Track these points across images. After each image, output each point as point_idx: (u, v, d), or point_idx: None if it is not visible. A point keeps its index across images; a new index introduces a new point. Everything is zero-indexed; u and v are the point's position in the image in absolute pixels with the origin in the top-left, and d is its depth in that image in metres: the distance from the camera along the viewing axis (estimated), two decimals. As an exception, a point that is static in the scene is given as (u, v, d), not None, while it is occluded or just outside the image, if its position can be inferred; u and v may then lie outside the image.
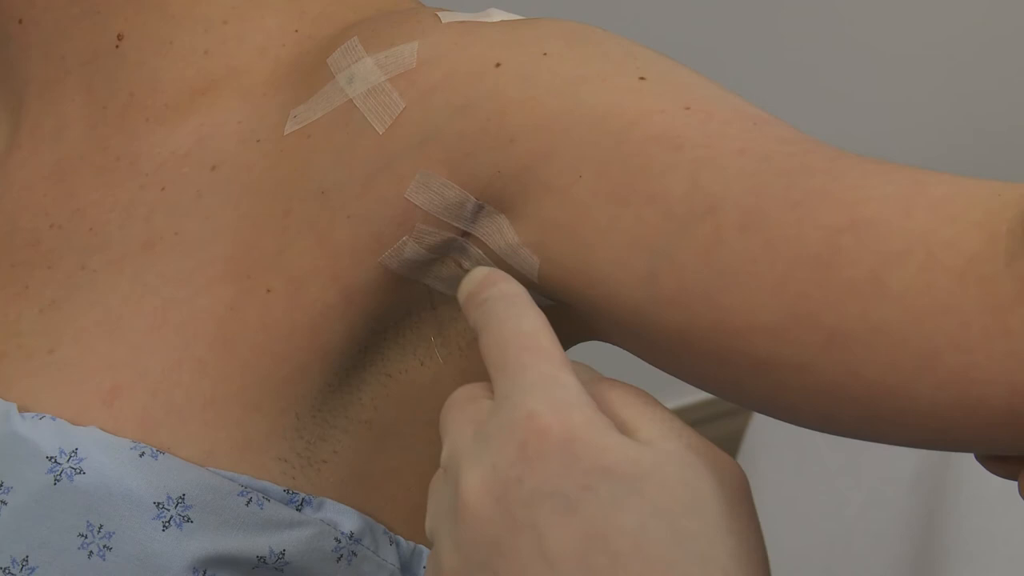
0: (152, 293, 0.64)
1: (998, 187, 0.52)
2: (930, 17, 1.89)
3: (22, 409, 0.63)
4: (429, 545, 0.58)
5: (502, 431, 0.50)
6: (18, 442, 0.62)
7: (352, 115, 0.62)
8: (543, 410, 0.49)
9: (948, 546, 1.41)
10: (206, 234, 0.64)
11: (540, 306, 0.62)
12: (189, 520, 0.61)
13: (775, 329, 0.53)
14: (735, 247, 0.54)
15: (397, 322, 0.63)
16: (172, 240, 0.65)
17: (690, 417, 1.78)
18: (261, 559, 0.62)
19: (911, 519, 1.44)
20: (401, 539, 0.67)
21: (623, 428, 0.51)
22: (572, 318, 0.62)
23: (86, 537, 0.61)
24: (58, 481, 0.61)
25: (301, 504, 0.63)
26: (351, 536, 0.64)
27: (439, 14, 0.64)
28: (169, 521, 0.61)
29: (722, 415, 1.76)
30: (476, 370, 0.64)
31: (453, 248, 0.62)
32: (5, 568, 0.62)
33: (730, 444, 1.65)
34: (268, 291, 0.63)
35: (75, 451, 0.61)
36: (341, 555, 0.64)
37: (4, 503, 0.62)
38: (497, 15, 0.63)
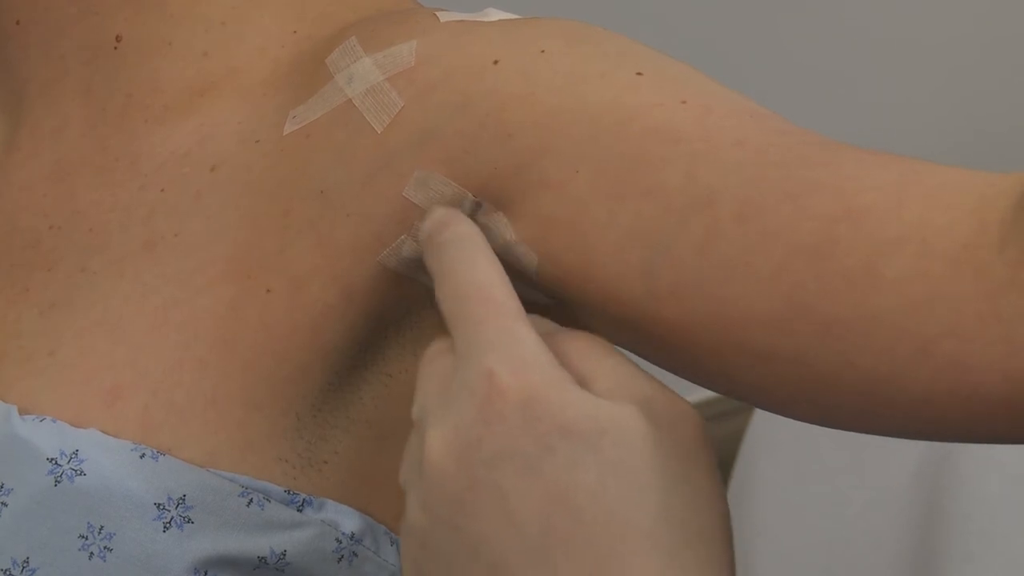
0: (152, 293, 0.64)
1: (991, 176, 0.52)
2: (931, 17, 1.89)
3: (23, 411, 0.63)
4: None
5: (463, 391, 0.51)
6: (18, 444, 0.62)
7: (351, 115, 0.62)
8: (501, 369, 0.50)
9: (948, 546, 1.41)
10: (206, 234, 0.64)
11: (540, 304, 0.62)
12: (190, 521, 0.61)
13: (772, 320, 0.53)
14: (732, 239, 0.54)
15: (397, 321, 0.63)
16: (172, 241, 0.65)
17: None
18: (262, 560, 0.62)
19: (911, 519, 1.44)
20: (402, 539, 0.67)
21: (582, 380, 0.52)
22: (572, 316, 0.62)
23: (87, 538, 0.61)
24: (59, 482, 0.61)
25: (302, 505, 0.63)
26: (352, 536, 0.64)
27: (437, 14, 0.64)
28: (170, 522, 0.61)
29: (722, 415, 1.76)
30: None
31: (453, 246, 0.62)
32: (6, 569, 0.62)
33: (730, 444, 1.65)
34: (268, 291, 0.63)
35: (75, 452, 0.61)
36: (342, 556, 0.64)
37: (5, 504, 0.62)
38: (495, 14, 0.63)
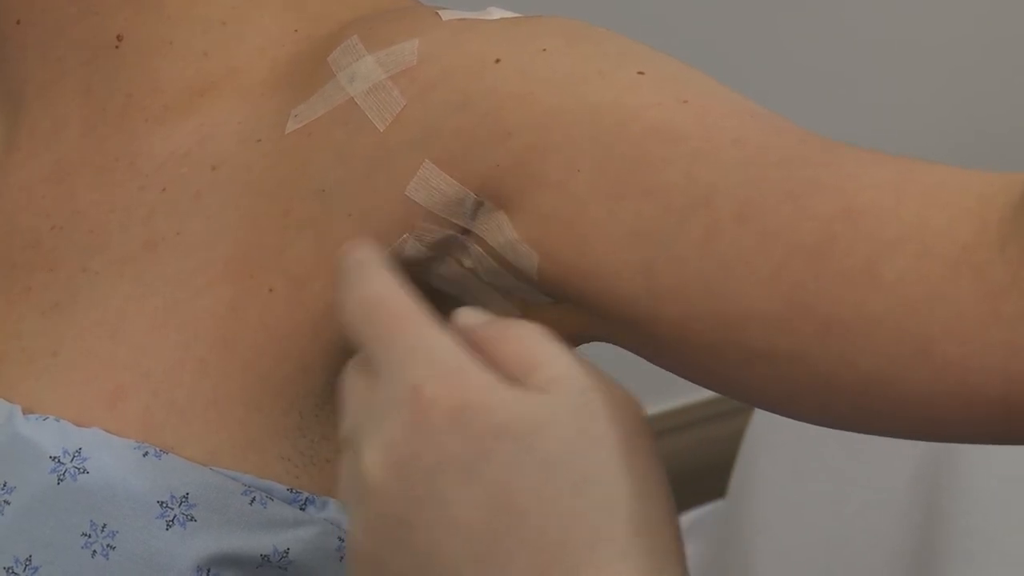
0: (153, 294, 0.64)
1: (990, 176, 0.52)
2: (931, 18, 1.89)
3: (26, 411, 0.63)
4: None
5: (390, 408, 0.49)
6: (22, 443, 0.62)
7: (352, 113, 0.62)
8: (426, 381, 0.49)
9: (948, 546, 1.41)
10: (207, 234, 0.64)
11: (540, 304, 0.62)
12: (193, 519, 0.61)
13: (771, 319, 0.53)
14: (731, 238, 0.54)
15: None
16: (173, 240, 0.65)
17: (690, 416, 1.78)
18: (265, 558, 0.62)
19: (911, 519, 1.44)
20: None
21: (521, 372, 0.50)
22: (572, 316, 0.62)
23: (89, 536, 0.61)
24: (61, 481, 0.61)
25: (305, 503, 0.63)
26: (354, 535, 0.64)
27: (439, 12, 0.64)
28: (173, 520, 0.61)
29: (722, 415, 1.76)
30: None
31: (453, 246, 0.62)
32: (9, 568, 0.62)
33: (730, 444, 1.65)
34: (269, 291, 0.63)
35: (78, 451, 0.61)
36: (344, 554, 0.64)
37: (7, 503, 0.62)
38: (497, 13, 0.64)
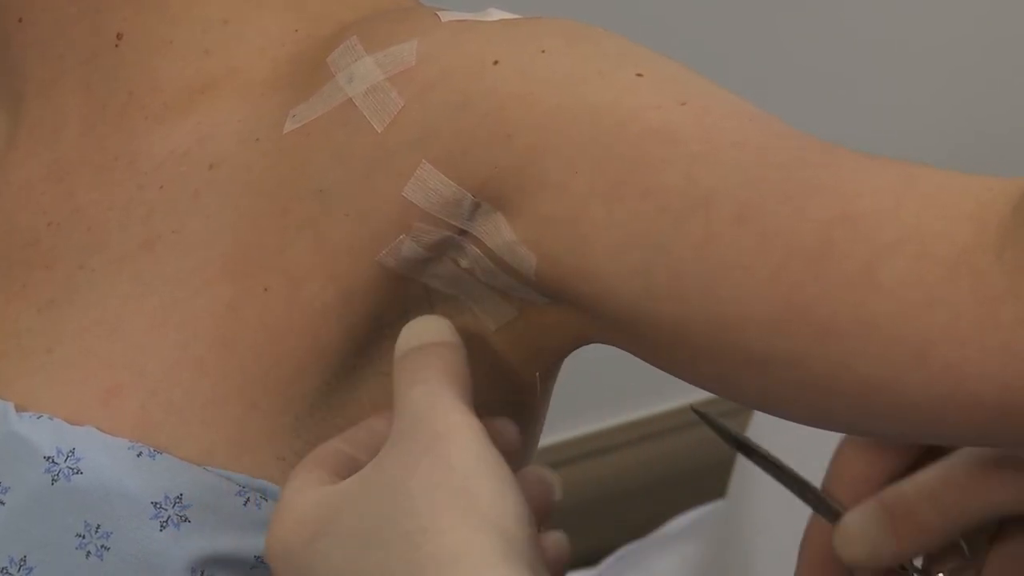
0: (151, 293, 0.64)
1: (989, 181, 0.52)
2: (931, 19, 1.89)
3: (20, 408, 0.63)
4: None
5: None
6: (16, 442, 0.62)
7: (351, 114, 0.62)
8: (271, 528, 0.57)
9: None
10: (205, 234, 0.64)
11: (538, 305, 0.62)
12: (187, 520, 0.61)
13: (769, 321, 0.53)
14: (729, 240, 0.54)
15: (395, 321, 0.63)
16: (171, 239, 0.65)
17: (690, 417, 1.77)
18: (259, 559, 0.62)
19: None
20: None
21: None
22: (571, 317, 0.62)
23: (84, 537, 0.61)
24: (56, 481, 0.61)
25: (299, 504, 0.63)
26: (349, 536, 0.64)
27: (438, 13, 0.64)
28: (167, 521, 0.61)
29: (722, 415, 1.75)
30: (476, 369, 0.65)
31: (451, 246, 0.62)
32: (3, 568, 0.62)
33: (730, 444, 1.64)
34: (266, 290, 0.63)
35: (72, 451, 0.61)
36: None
37: (2, 503, 0.62)
38: (496, 14, 0.64)
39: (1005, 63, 1.95)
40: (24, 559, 0.61)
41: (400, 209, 0.61)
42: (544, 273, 0.60)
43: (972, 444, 0.53)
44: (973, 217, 0.51)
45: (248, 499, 0.62)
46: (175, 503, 0.61)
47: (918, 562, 0.62)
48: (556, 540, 0.59)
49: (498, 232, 0.60)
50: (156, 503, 0.61)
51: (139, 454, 0.61)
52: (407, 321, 0.64)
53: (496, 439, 0.56)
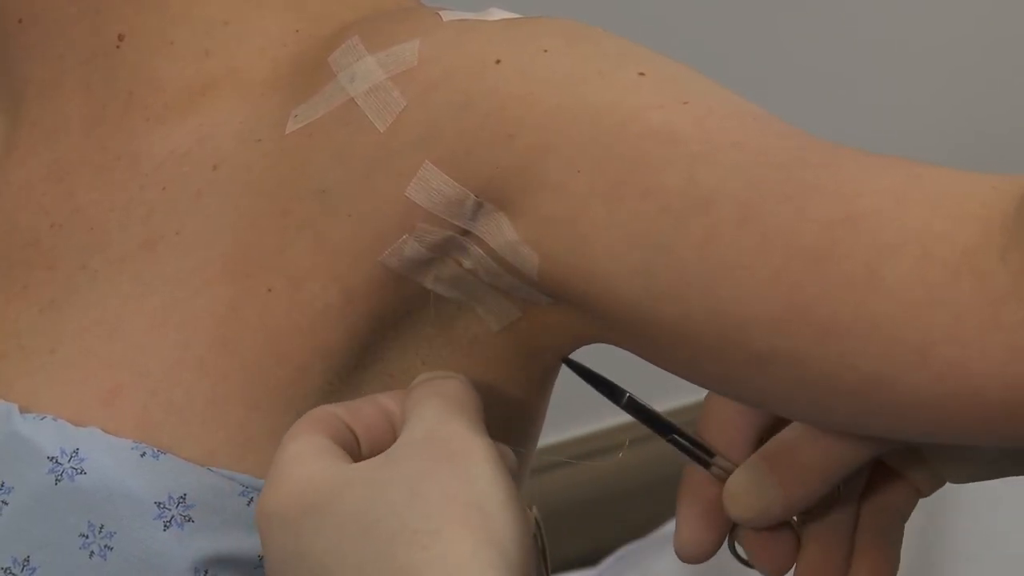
0: (152, 293, 0.64)
1: (994, 180, 0.52)
2: (932, 18, 1.89)
3: (23, 410, 0.63)
4: None
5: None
6: (19, 442, 0.62)
7: (352, 114, 0.62)
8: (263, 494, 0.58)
9: (948, 546, 1.41)
10: (206, 234, 0.64)
11: (541, 305, 0.62)
12: (190, 520, 0.61)
13: (771, 321, 0.53)
14: (731, 241, 0.54)
15: (397, 321, 0.63)
16: (172, 240, 0.65)
17: (690, 417, 1.78)
18: (262, 559, 0.62)
19: (911, 518, 1.44)
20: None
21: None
22: (573, 317, 0.62)
23: (87, 537, 0.61)
24: (59, 481, 0.61)
25: (302, 504, 0.63)
26: (352, 536, 0.64)
27: (440, 12, 0.64)
28: (170, 521, 0.61)
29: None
30: (478, 368, 0.65)
31: (453, 247, 0.62)
32: (6, 568, 0.62)
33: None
34: (268, 291, 0.63)
35: (76, 451, 0.61)
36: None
37: (5, 503, 0.62)
38: (498, 14, 0.64)
39: (1005, 63, 1.95)
40: (27, 559, 0.61)
41: (403, 209, 0.61)
42: (546, 273, 0.60)
43: (975, 442, 0.53)
44: (977, 218, 0.51)
45: (251, 499, 0.62)
46: (179, 503, 0.61)
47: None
48: None
49: (500, 232, 0.60)
50: (160, 503, 0.61)
51: (143, 454, 0.61)
52: (409, 322, 0.64)
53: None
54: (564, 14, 0.64)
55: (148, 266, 0.65)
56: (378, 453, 0.58)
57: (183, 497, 0.61)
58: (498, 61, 0.60)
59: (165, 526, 0.61)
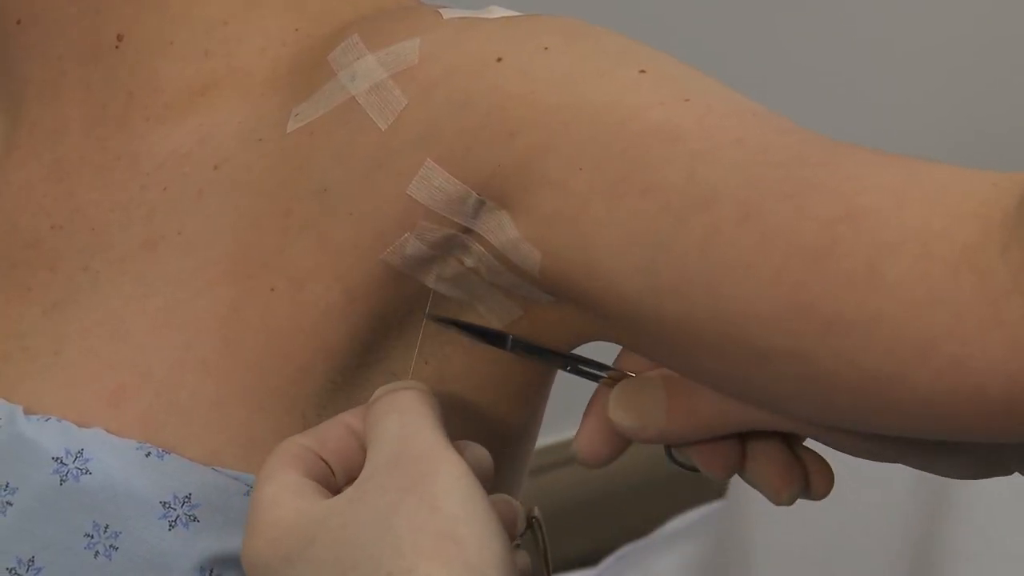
0: (154, 293, 0.64)
1: (994, 177, 0.52)
2: (931, 17, 1.89)
3: (27, 411, 0.63)
4: None
5: None
6: (24, 444, 0.62)
7: (353, 112, 0.62)
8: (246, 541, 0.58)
9: (948, 546, 1.41)
10: (208, 234, 0.64)
11: (542, 303, 0.62)
12: (195, 520, 0.61)
13: (773, 319, 0.53)
14: (732, 239, 0.54)
15: (400, 320, 0.64)
16: (174, 240, 0.65)
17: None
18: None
19: (911, 518, 1.44)
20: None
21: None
22: (574, 315, 0.62)
23: (92, 537, 0.61)
24: (64, 481, 0.61)
25: (305, 503, 0.63)
26: (355, 535, 0.64)
27: (440, 10, 0.64)
28: (175, 521, 0.61)
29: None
30: (480, 366, 0.65)
31: (455, 245, 0.62)
32: (11, 568, 0.62)
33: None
34: (271, 290, 0.63)
35: (81, 452, 0.61)
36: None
37: (10, 504, 0.62)
38: (498, 12, 0.64)
39: (1004, 62, 1.95)
40: (32, 559, 0.61)
41: (404, 208, 0.61)
42: (548, 270, 0.60)
43: (978, 439, 0.53)
44: (976, 215, 0.51)
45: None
46: (184, 503, 0.61)
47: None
48: (520, 559, 0.62)
49: (502, 230, 0.60)
50: (165, 503, 0.61)
51: (147, 454, 0.61)
52: (412, 320, 0.64)
53: (473, 469, 0.57)
54: (564, 13, 0.64)
55: (150, 266, 0.65)
56: (353, 475, 0.58)
57: (188, 497, 0.61)
58: (499, 59, 0.60)
59: (170, 526, 0.61)
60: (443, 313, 0.64)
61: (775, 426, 0.60)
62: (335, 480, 0.59)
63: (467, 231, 0.61)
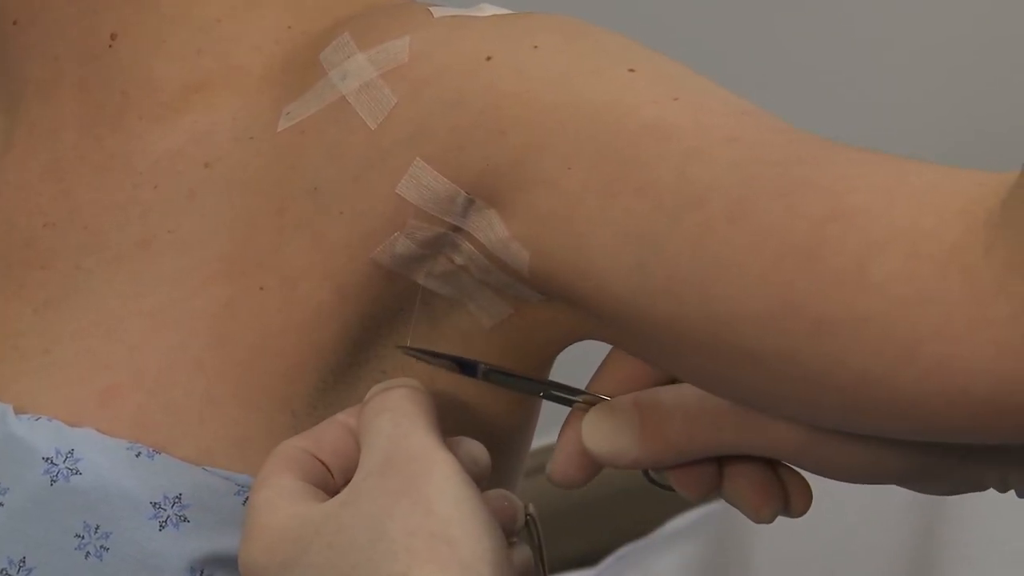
0: (148, 293, 0.64)
1: (980, 176, 0.52)
2: (930, 17, 1.89)
3: (18, 410, 0.63)
4: None
5: None
6: (14, 443, 0.62)
7: (344, 111, 0.62)
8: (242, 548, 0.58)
9: (948, 546, 1.41)
10: (201, 233, 0.64)
11: (533, 302, 0.62)
12: (186, 520, 0.61)
13: (763, 318, 0.53)
14: (723, 237, 0.54)
15: (392, 319, 0.64)
16: (167, 239, 0.65)
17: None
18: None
19: (911, 519, 1.44)
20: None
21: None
22: (565, 314, 0.62)
23: (83, 537, 0.61)
24: (55, 482, 0.61)
25: (297, 503, 0.63)
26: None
27: (431, 9, 0.64)
28: (166, 521, 0.61)
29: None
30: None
31: (445, 243, 0.62)
32: (2, 569, 0.62)
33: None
34: (262, 289, 0.63)
35: (71, 452, 0.61)
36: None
37: (1, 504, 0.62)
38: (489, 9, 0.64)
39: (1004, 62, 1.95)
40: (23, 560, 0.61)
41: (394, 207, 0.61)
42: (538, 269, 0.60)
43: (965, 439, 0.53)
44: (963, 214, 0.51)
45: (247, 499, 0.62)
46: (174, 503, 0.61)
47: None
48: (520, 554, 0.62)
49: (491, 228, 0.60)
50: (155, 503, 0.61)
51: (138, 454, 0.61)
52: (403, 319, 0.64)
53: (468, 467, 0.57)
54: (559, 11, 0.64)
55: (144, 266, 0.65)
56: (351, 475, 0.58)
57: (179, 497, 0.61)
58: (490, 58, 0.60)
59: (161, 526, 0.61)
60: (433, 310, 0.64)
61: (745, 451, 0.60)
62: (333, 481, 0.59)
63: (457, 230, 0.61)
